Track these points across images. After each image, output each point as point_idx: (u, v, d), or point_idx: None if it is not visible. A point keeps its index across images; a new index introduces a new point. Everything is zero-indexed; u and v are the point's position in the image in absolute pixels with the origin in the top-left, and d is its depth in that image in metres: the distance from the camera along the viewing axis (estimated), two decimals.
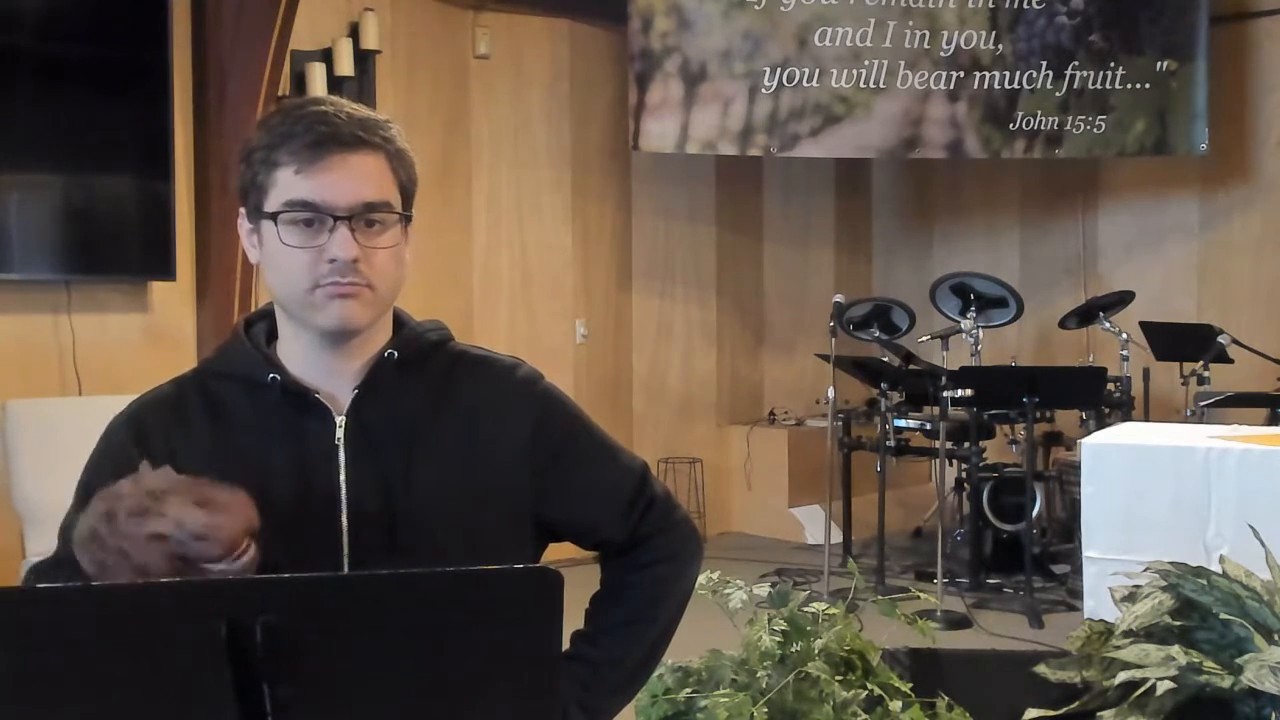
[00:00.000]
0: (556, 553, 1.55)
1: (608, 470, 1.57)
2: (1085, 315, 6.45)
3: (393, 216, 1.40)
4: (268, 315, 1.49)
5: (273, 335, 1.48)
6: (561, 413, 1.55)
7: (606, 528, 1.57)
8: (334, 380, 1.44)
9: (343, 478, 1.41)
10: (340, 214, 1.36)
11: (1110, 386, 6.03)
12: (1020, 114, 6.68)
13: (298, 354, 1.45)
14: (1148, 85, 6.73)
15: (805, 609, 1.58)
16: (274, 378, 1.42)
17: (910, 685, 1.55)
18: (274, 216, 1.37)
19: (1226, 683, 1.44)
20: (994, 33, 6.61)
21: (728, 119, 6.50)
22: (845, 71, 6.51)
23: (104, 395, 4.51)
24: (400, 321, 1.51)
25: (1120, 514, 3.70)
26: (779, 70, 6.47)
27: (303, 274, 1.37)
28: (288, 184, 1.36)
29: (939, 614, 5.14)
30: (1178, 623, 1.56)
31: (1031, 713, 1.59)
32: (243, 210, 1.44)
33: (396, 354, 1.45)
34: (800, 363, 7.48)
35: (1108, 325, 6.32)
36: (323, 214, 1.36)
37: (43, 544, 4.00)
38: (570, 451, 1.53)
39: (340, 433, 1.42)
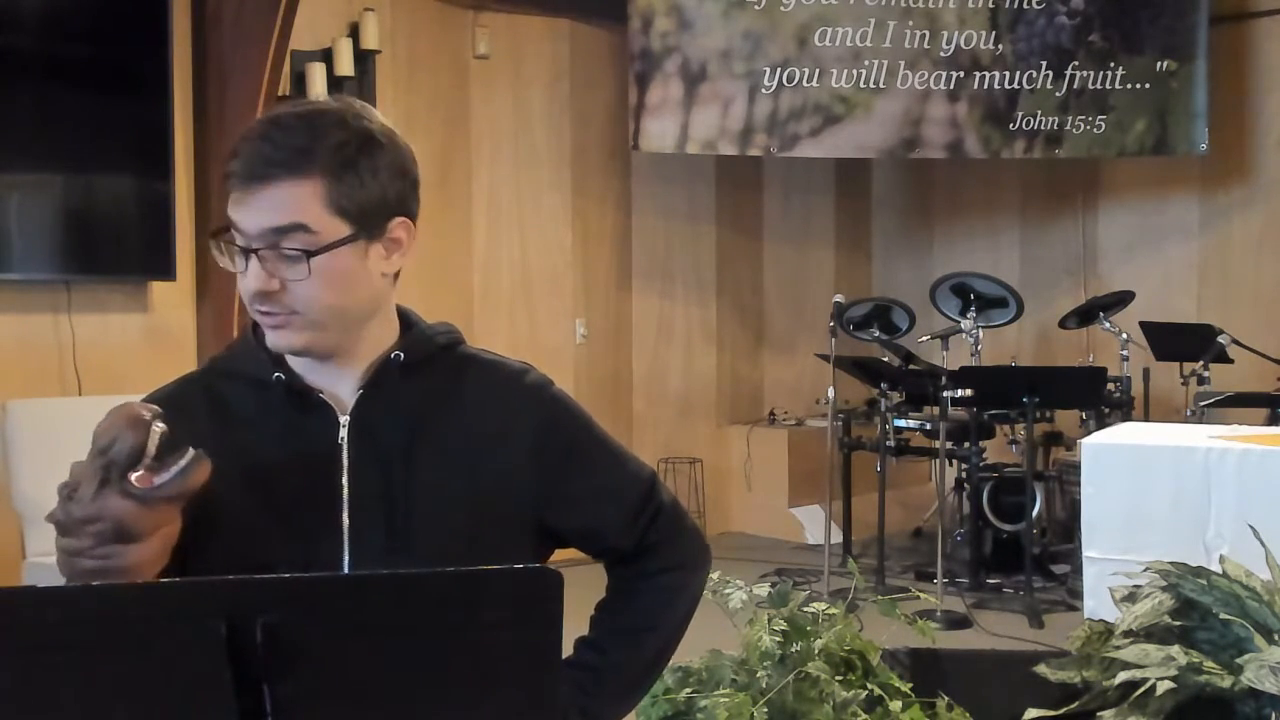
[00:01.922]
0: (557, 553, 1.55)
1: (615, 477, 1.56)
2: (1085, 315, 6.45)
3: (311, 243, 1.35)
4: None
5: None
6: (569, 419, 1.54)
7: (613, 535, 1.56)
8: (338, 381, 1.44)
9: (345, 478, 1.41)
10: (251, 245, 1.36)
11: (1110, 386, 6.03)
12: (1020, 114, 6.68)
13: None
14: (1148, 85, 6.73)
15: (805, 609, 1.58)
16: (278, 376, 1.43)
17: (910, 685, 1.55)
18: (220, 238, 1.40)
19: (1226, 683, 1.45)
20: (994, 33, 6.61)
21: (728, 119, 6.50)
22: (845, 71, 6.50)
23: (104, 395, 4.51)
24: (410, 323, 1.50)
25: (1120, 514, 3.70)
26: (779, 70, 6.47)
27: (245, 297, 1.40)
28: (228, 210, 1.39)
29: (939, 614, 5.13)
30: (1178, 623, 1.57)
31: (1031, 713, 1.60)
32: None
33: (403, 356, 1.45)
34: (800, 363, 7.48)
35: (1108, 325, 6.32)
36: (241, 244, 1.37)
37: (43, 544, 4.01)
38: (577, 457, 1.52)
39: (344, 432, 1.42)
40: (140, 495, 1.24)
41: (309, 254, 1.36)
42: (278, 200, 1.35)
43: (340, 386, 1.44)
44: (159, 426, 1.27)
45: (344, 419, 1.42)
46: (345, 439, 1.42)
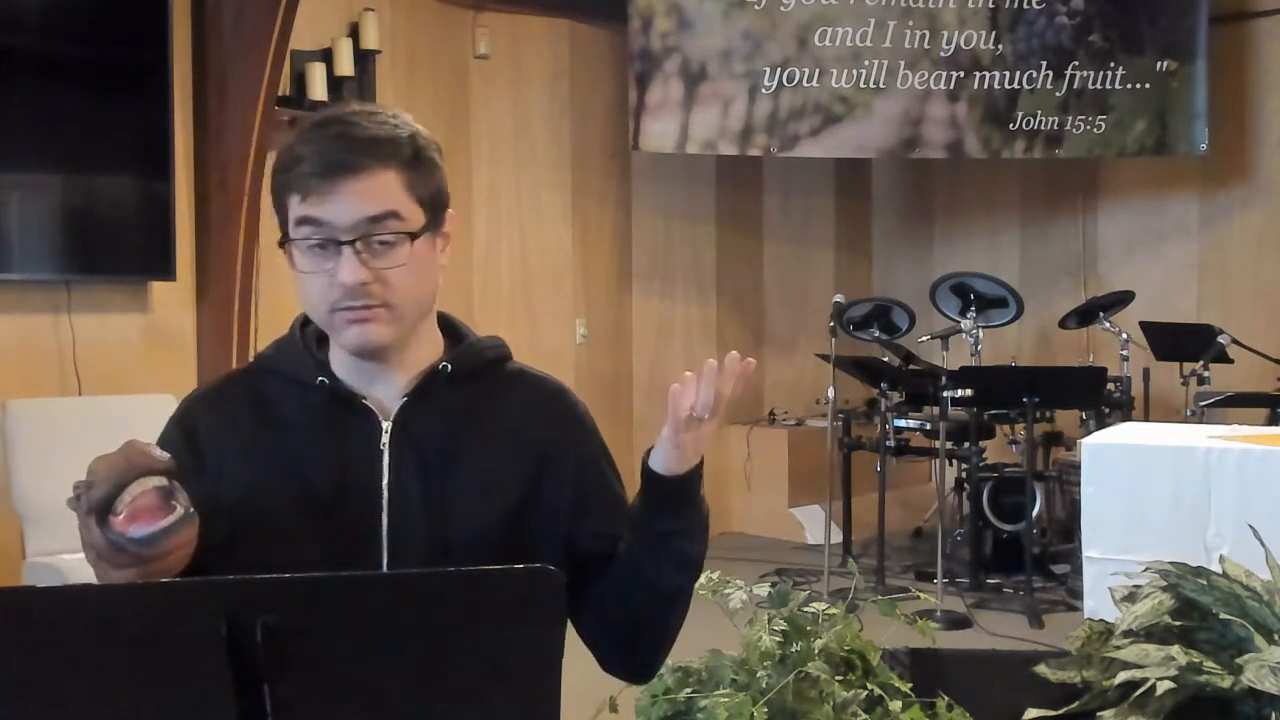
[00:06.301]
0: None
1: (621, 485, 1.58)
2: (1085, 315, 6.45)
3: (405, 229, 1.38)
4: None
5: (325, 336, 1.49)
6: (596, 435, 1.56)
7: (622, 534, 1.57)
8: (382, 387, 1.45)
9: (385, 481, 1.41)
10: (344, 237, 1.35)
11: (1110, 386, 6.02)
12: (1020, 114, 6.68)
13: (346, 359, 1.46)
14: (1148, 85, 6.73)
15: (805, 609, 1.58)
16: (322, 381, 1.43)
17: (910, 685, 1.55)
18: (290, 241, 1.39)
19: (1226, 683, 1.45)
20: (994, 33, 6.61)
21: (728, 119, 6.50)
22: (845, 71, 6.50)
23: (104, 395, 4.51)
24: (460, 335, 1.52)
25: (1120, 514, 3.70)
26: (779, 70, 6.47)
27: (320, 297, 1.39)
28: (296, 210, 1.38)
29: (939, 614, 5.14)
30: (1178, 623, 1.57)
31: (1031, 713, 1.60)
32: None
33: (450, 368, 1.46)
34: (800, 363, 7.48)
35: (1108, 325, 6.32)
36: (328, 239, 1.36)
37: (43, 544, 4.01)
38: (602, 472, 1.54)
39: (386, 437, 1.42)
40: (111, 537, 1.24)
41: (412, 236, 1.38)
42: (368, 189, 1.36)
43: (384, 392, 1.45)
44: (153, 481, 1.26)
45: (386, 424, 1.43)
46: (387, 444, 1.42)
